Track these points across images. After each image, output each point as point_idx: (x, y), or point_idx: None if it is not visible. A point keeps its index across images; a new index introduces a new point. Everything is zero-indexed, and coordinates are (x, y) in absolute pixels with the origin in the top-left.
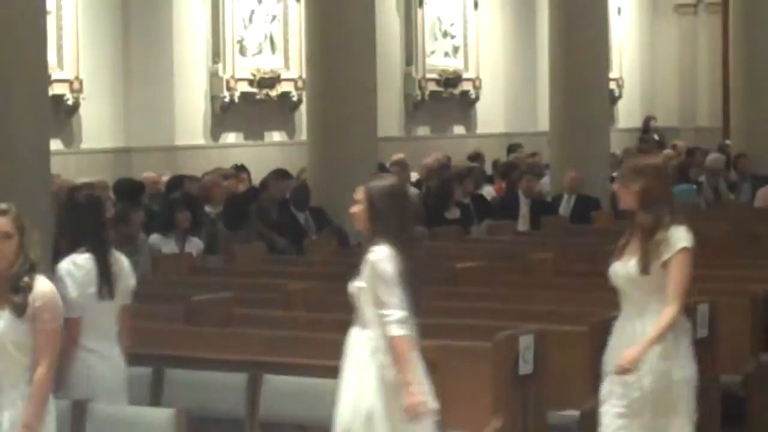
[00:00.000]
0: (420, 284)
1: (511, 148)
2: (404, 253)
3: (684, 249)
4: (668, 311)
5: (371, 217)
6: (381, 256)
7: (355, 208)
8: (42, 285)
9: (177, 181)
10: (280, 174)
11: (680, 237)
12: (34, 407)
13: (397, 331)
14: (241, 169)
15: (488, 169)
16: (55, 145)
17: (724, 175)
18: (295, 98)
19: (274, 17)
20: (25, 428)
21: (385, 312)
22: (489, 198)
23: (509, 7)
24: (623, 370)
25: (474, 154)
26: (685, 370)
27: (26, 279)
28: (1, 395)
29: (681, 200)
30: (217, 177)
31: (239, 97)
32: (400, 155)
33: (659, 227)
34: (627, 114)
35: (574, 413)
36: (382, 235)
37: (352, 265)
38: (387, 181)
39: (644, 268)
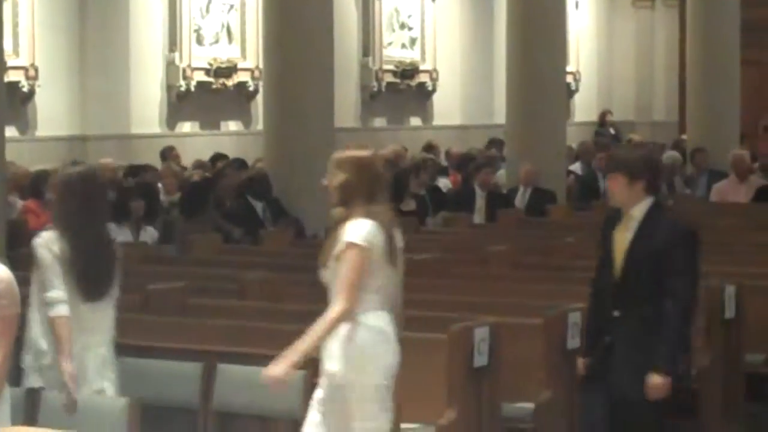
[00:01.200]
0: (91, 268)
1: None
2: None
3: (351, 244)
4: (331, 310)
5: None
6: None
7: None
8: None
9: (134, 171)
10: (238, 163)
11: (353, 231)
12: None
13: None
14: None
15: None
16: (10, 132)
17: (680, 171)
18: (251, 88)
19: (231, 6)
20: None
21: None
22: (444, 190)
23: None
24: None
25: (428, 146)
26: (362, 376)
27: None
28: None
29: None
30: (171, 166)
31: (195, 86)
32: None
33: (348, 221)
34: (583, 108)
35: (529, 406)
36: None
37: (307, 256)
38: (76, 168)
39: (323, 262)
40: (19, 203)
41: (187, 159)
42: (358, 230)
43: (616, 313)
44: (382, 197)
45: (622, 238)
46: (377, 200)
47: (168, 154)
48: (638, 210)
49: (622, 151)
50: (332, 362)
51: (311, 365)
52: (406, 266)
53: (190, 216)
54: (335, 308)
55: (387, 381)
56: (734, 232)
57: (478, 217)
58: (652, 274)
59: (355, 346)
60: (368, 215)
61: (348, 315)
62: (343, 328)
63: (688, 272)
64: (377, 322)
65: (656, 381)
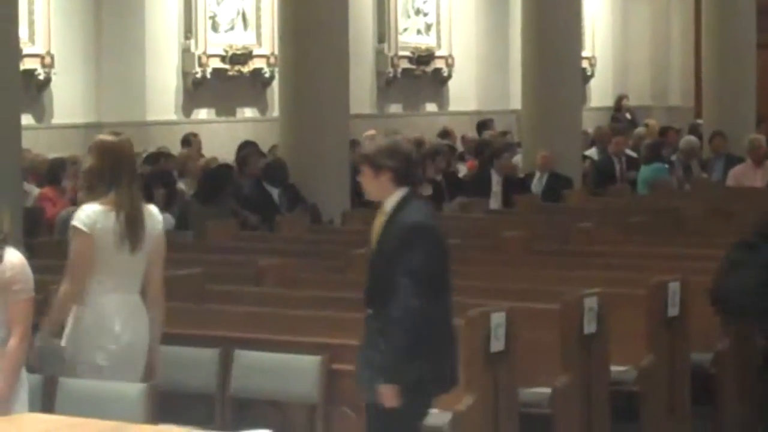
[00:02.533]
0: None
1: (482, 125)
2: None
3: (74, 228)
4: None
5: None
6: None
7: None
8: (11, 256)
9: (154, 158)
10: (258, 150)
11: (77, 216)
12: (4, 378)
13: None
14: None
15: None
16: (27, 120)
17: (697, 155)
18: (267, 75)
19: None
20: None
21: None
22: (461, 176)
23: None
24: None
25: (444, 132)
26: (82, 355)
27: None
28: None
29: (653, 179)
30: (191, 152)
31: (211, 73)
32: (371, 131)
33: None
34: (599, 93)
35: (545, 390)
36: None
37: (324, 242)
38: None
39: None
40: (36, 191)
41: (204, 146)
42: (81, 215)
43: (368, 311)
44: (126, 182)
45: (375, 234)
46: (121, 185)
47: (191, 140)
48: (389, 203)
49: (367, 144)
50: (63, 339)
51: (328, 350)
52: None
53: (206, 203)
54: (60, 288)
55: (106, 363)
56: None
57: (495, 203)
58: (387, 272)
59: (78, 327)
60: (104, 201)
61: (71, 296)
62: (73, 309)
63: (417, 274)
64: (101, 306)
65: (381, 389)
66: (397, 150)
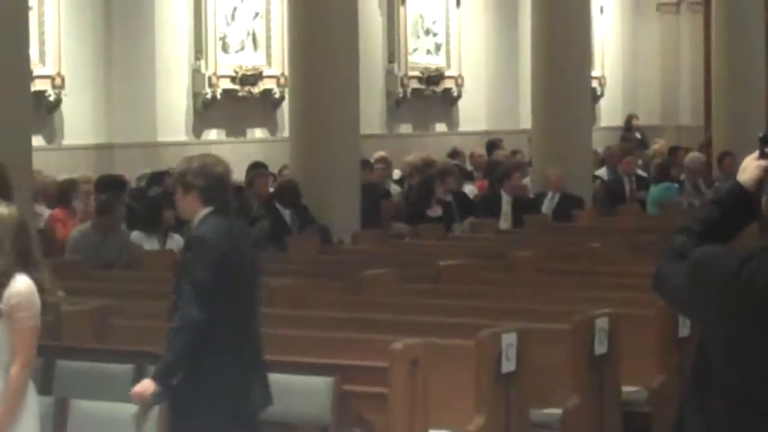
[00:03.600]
0: None
1: (492, 145)
2: None
3: None
4: None
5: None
6: None
7: None
8: (19, 283)
9: (158, 178)
10: (266, 171)
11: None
12: (5, 405)
13: None
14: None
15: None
16: (37, 141)
17: (704, 174)
18: (277, 95)
19: (256, 14)
20: None
21: None
22: (471, 196)
23: (491, 4)
24: None
25: (453, 152)
26: None
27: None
28: None
29: (663, 198)
30: None
31: (221, 94)
32: (381, 153)
33: None
34: (609, 112)
35: (557, 411)
36: None
37: (334, 263)
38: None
39: None
40: (47, 212)
41: None
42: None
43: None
44: None
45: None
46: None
47: None
48: (195, 221)
49: (181, 164)
50: None
51: (339, 371)
52: (432, 272)
53: None
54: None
55: None
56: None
57: (504, 223)
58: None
59: None
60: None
61: None
62: None
63: (197, 286)
64: None
65: (144, 382)
66: (204, 171)
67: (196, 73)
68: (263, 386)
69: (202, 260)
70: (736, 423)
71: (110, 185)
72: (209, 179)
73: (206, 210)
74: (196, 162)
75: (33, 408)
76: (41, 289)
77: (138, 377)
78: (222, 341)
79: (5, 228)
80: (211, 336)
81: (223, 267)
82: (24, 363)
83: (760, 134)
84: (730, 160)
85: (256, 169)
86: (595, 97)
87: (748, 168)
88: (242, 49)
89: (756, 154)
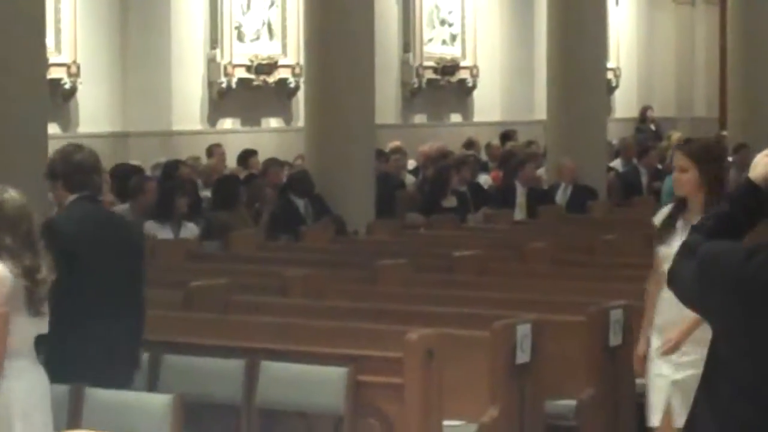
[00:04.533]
0: None
1: (506, 136)
2: None
3: None
4: None
5: None
6: None
7: None
8: None
9: (172, 167)
10: (278, 162)
11: None
12: None
13: None
14: (252, 154)
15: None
16: (53, 129)
17: None
18: (292, 85)
19: (272, 3)
20: None
21: None
22: (486, 186)
23: None
24: None
25: (468, 142)
26: None
27: None
28: None
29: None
30: (219, 161)
31: (236, 83)
32: (396, 143)
33: None
34: (624, 104)
35: (571, 402)
36: None
37: (349, 253)
38: None
39: None
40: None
41: (229, 156)
42: None
43: None
44: None
45: None
46: None
47: (214, 150)
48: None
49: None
50: None
51: (354, 361)
52: (446, 262)
53: (220, 210)
54: None
55: None
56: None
57: (519, 214)
58: None
59: None
60: None
61: None
62: None
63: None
64: None
65: None
66: (65, 158)
67: (211, 62)
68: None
69: (48, 246)
70: (740, 414)
71: (126, 174)
72: (70, 166)
73: (72, 197)
74: (59, 151)
75: (46, 394)
76: (31, 276)
77: (153, 366)
78: (74, 319)
79: None
80: (65, 313)
81: (68, 252)
82: None
83: None
84: (744, 152)
85: (251, 156)
86: (610, 89)
87: (759, 164)
88: (258, 38)
89: (767, 150)
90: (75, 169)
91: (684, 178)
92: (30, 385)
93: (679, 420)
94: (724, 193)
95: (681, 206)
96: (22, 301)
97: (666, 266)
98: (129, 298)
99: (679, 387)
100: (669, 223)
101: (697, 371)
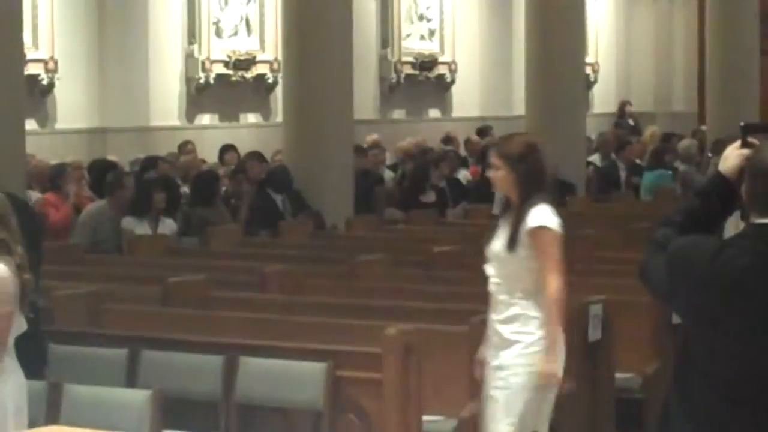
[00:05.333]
0: None
1: (482, 131)
2: None
3: None
4: None
5: None
6: None
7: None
8: None
9: (150, 162)
10: (257, 156)
11: None
12: None
13: None
14: (229, 149)
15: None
16: (30, 125)
17: (696, 161)
18: (270, 80)
19: None
20: None
21: None
22: (464, 182)
23: None
24: None
25: (446, 138)
26: None
27: None
28: None
29: (657, 185)
30: (194, 158)
31: (215, 79)
32: (374, 137)
33: None
34: (602, 99)
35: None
36: None
37: (327, 248)
38: None
39: None
40: (38, 196)
41: (207, 151)
42: None
43: None
44: None
45: None
46: None
47: (183, 149)
48: None
49: None
50: None
51: (333, 357)
52: (426, 257)
53: (198, 206)
54: None
55: None
56: None
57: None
58: None
59: None
60: None
61: None
62: None
63: None
64: None
65: None
66: None
67: (189, 57)
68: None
69: None
70: (714, 411)
71: (103, 170)
72: None
73: None
74: None
75: (17, 396)
76: (23, 272)
77: (131, 362)
78: None
79: None
80: None
81: None
82: None
83: (741, 123)
84: (722, 147)
85: (229, 152)
86: (589, 84)
87: (730, 157)
88: (236, 33)
89: (738, 143)
90: None
91: (496, 177)
92: (19, 382)
93: None
94: (543, 190)
95: (507, 204)
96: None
97: (487, 266)
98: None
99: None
100: (493, 223)
101: None
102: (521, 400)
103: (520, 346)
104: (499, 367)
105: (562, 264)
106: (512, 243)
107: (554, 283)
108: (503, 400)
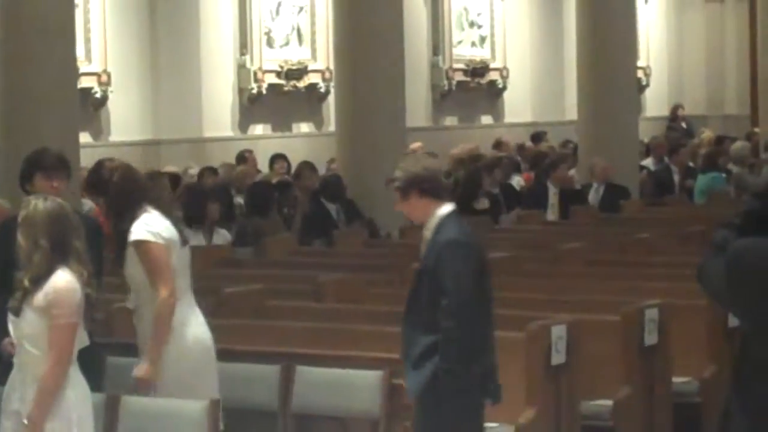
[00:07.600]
0: None
1: (536, 136)
2: None
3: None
4: None
5: None
6: None
7: None
8: (58, 279)
9: (209, 173)
10: (310, 166)
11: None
12: (36, 401)
13: None
14: (278, 158)
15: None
16: (84, 138)
17: (749, 163)
18: (322, 89)
19: (301, 8)
20: (26, 419)
21: None
22: (518, 188)
23: None
24: None
25: (497, 143)
26: None
27: (39, 274)
28: (25, 388)
29: (710, 188)
30: (251, 167)
31: (267, 89)
32: (418, 143)
33: None
34: (655, 102)
35: (607, 402)
36: None
37: (382, 256)
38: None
39: None
40: (90, 205)
41: (260, 162)
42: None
43: None
44: None
45: None
46: None
47: (242, 157)
48: None
49: None
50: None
51: (389, 365)
52: None
53: (253, 216)
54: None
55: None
56: None
57: (552, 214)
58: None
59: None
60: None
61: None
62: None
63: None
64: None
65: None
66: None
67: (241, 68)
68: None
69: None
70: None
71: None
72: None
73: None
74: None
75: (87, 404)
76: (90, 284)
77: None
78: None
79: (37, 222)
80: None
81: None
82: (56, 361)
83: None
84: None
85: (279, 160)
86: (641, 88)
87: None
88: (287, 43)
89: None
90: None
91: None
92: (83, 393)
93: None
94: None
95: None
96: (83, 309)
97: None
98: None
99: None
100: None
101: None
102: None
103: None
104: None
105: None
106: None
107: None
108: None
